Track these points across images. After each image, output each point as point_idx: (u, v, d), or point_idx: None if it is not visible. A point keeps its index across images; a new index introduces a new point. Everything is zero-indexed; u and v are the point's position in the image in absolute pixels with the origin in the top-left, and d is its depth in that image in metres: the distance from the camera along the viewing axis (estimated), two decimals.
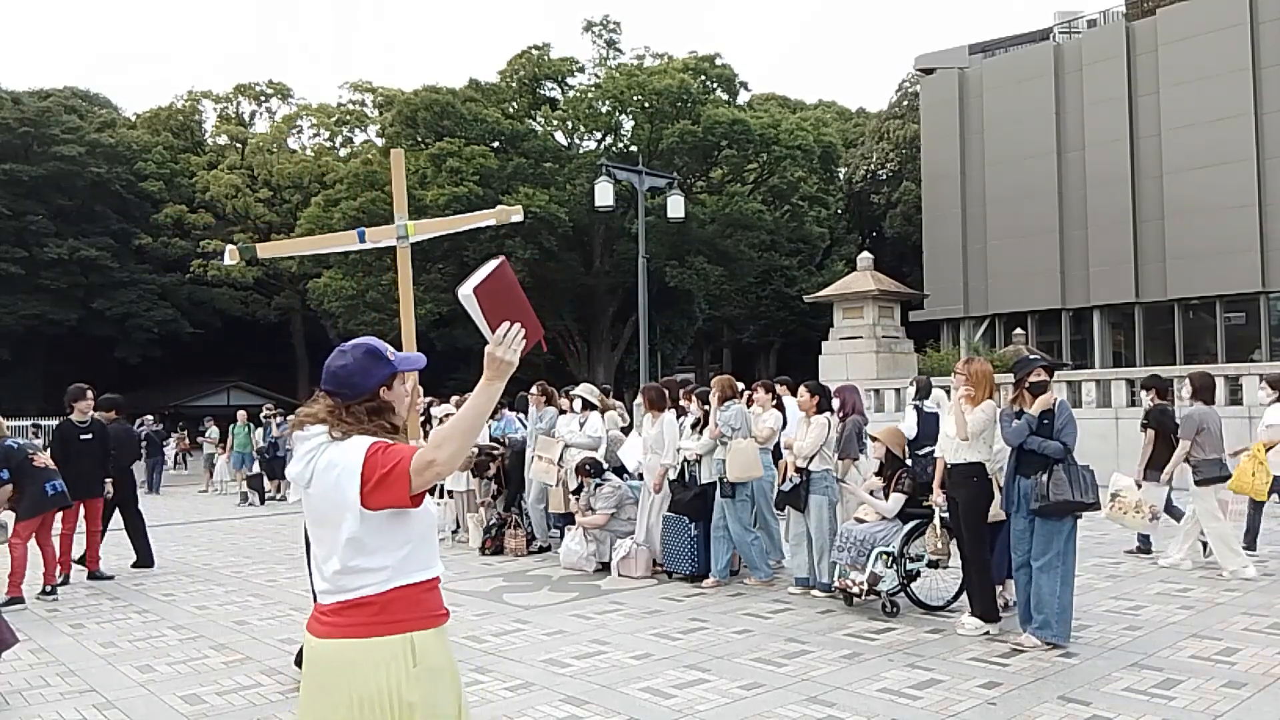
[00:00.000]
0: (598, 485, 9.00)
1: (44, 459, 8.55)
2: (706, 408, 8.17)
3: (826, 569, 7.34)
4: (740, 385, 8.62)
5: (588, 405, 9.97)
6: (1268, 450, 8.20)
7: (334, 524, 2.38)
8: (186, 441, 31.48)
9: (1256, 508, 8.78)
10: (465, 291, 2.49)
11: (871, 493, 7.19)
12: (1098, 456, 14.76)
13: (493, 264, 2.54)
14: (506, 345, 2.38)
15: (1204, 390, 8.33)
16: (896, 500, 6.84)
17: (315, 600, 2.54)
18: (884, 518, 6.94)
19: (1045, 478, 5.67)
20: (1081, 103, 30.54)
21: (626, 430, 10.77)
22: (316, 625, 2.45)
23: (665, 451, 8.43)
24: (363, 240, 4.11)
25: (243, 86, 48.29)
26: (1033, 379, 5.96)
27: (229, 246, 3.99)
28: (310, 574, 2.66)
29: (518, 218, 4.13)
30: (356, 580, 2.38)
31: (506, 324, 2.37)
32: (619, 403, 12.59)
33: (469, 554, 10.05)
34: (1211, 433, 8.00)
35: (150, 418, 24.67)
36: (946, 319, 33.64)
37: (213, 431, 23.08)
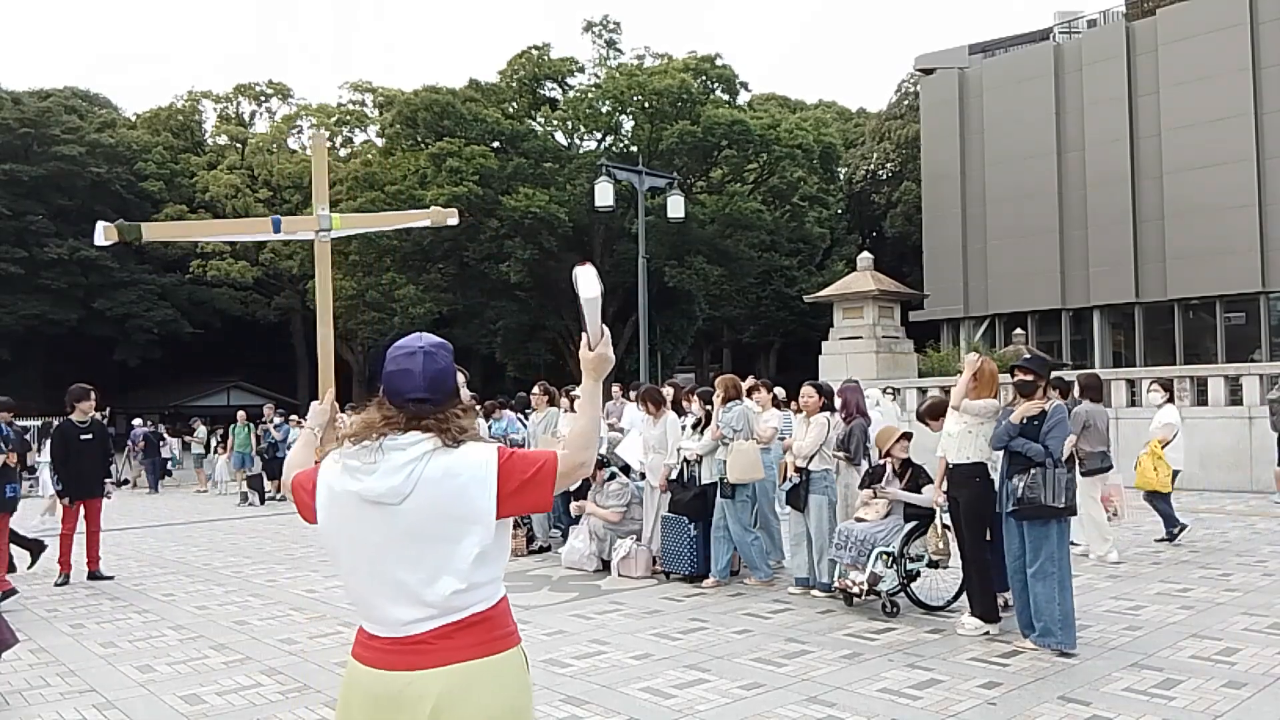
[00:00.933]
0: (606, 481, 8.98)
1: (12, 459, 8.49)
2: (709, 408, 8.17)
3: (826, 569, 7.34)
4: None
5: None
6: (1164, 446, 9.26)
7: (449, 538, 2.16)
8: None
9: (1164, 499, 9.60)
10: (593, 295, 2.35)
11: (864, 504, 7.19)
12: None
13: (593, 271, 2.43)
14: (609, 345, 2.39)
15: (1090, 389, 9.07)
16: (930, 490, 6.76)
17: (373, 632, 2.24)
18: (886, 516, 6.95)
19: (1023, 480, 5.64)
20: (1081, 103, 30.56)
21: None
22: (405, 657, 2.16)
23: (668, 451, 8.45)
24: (278, 230, 3.68)
25: (243, 86, 48.30)
26: (1016, 379, 5.95)
27: (103, 224, 3.46)
28: (362, 596, 2.27)
29: (453, 221, 3.87)
30: (474, 596, 2.19)
31: (604, 327, 2.39)
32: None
33: None
34: (1098, 428, 8.68)
35: (139, 420, 24.66)
36: (946, 319, 33.66)
37: (200, 432, 22.94)
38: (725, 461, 7.76)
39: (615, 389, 12.31)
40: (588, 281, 2.34)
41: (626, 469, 9.45)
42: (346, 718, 2.25)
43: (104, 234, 3.36)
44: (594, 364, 2.37)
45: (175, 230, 3.55)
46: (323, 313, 3.52)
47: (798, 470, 7.54)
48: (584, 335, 2.40)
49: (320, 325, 3.52)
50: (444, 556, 2.16)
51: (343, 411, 3.12)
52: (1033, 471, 5.60)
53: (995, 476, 6.21)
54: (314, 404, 3.08)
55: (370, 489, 2.17)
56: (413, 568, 2.16)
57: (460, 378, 2.43)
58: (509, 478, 2.18)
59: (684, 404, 9.15)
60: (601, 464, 9.03)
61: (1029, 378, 5.86)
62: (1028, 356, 6.17)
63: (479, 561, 2.17)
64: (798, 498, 7.52)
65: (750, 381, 9.25)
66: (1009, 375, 6.19)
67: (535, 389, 10.52)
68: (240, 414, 20.11)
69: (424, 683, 2.14)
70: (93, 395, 9.21)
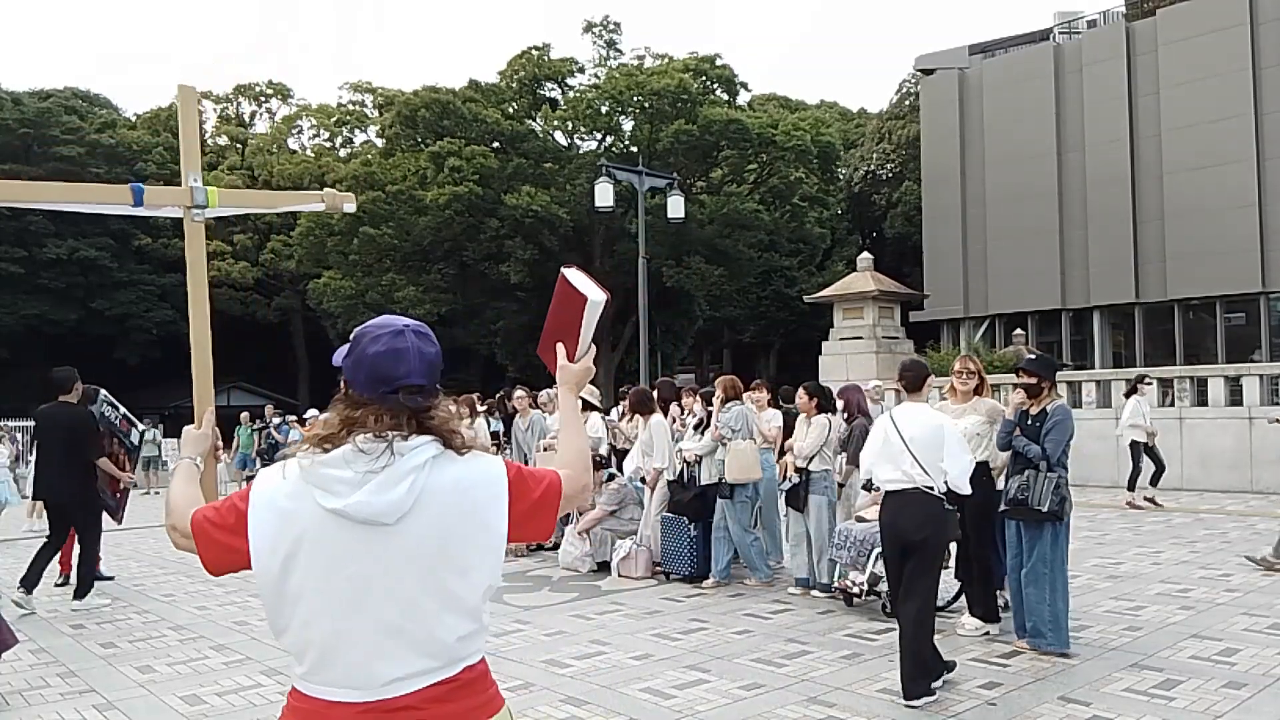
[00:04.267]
0: (605, 482, 8.98)
1: None
2: (710, 409, 8.18)
3: (826, 569, 7.34)
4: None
5: (588, 406, 9.97)
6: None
7: (456, 568, 1.75)
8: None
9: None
10: (598, 299, 2.20)
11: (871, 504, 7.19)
12: (1098, 457, 14.91)
13: (585, 277, 2.33)
14: (591, 359, 2.23)
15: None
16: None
17: (334, 699, 1.78)
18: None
19: (1018, 480, 5.61)
20: (1081, 103, 30.55)
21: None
22: None
23: (657, 454, 8.44)
24: (139, 203, 3.01)
25: (243, 87, 48.33)
26: (1021, 381, 5.94)
27: None
28: (328, 649, 1.77)
29: (350, 207, 3.41)
30: (473, 644, 1.80)
31: (591, 344, 2.27)
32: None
33: None
34: None
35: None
36: (947, 319, 33.65)
37: (151, 432, 21.32)
38: (725, 461, 7.77)
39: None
40: (590, 285, 2.23)
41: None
42: None
43: None
44: (577, 376, 2.19)
45: (19, 191, 3.14)
46: (196, 311, 2.96)
47: (797, 471, 7.55)
48: (559, 346, 2.23)
49: (194, 319, 2.97)
50: (452, 590, 1.75)
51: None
52: (1027, 473, 5.58)
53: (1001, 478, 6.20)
54: (188, 429, 2.36)
55: (362, 505, 1.70)
56: (407, 606, 1.72)
57: None
58: (520, 496, 1.83)
59: (683, 399, 9.17)
60: (599, 465, 9.03)
61: (1033, 380, 5.85)
62: (1032, 358, 6.14)
63: (486, 596, 1.80)
64: (797, 498, 7.53)
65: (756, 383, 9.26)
66: (1009, 374, 6.20)
67: (518, 391, 10.51)
68: (244, 415, 20.10)
69: None
70: (78, 380, 8.34)
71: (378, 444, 1.74)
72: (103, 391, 8.65)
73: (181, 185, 2.85)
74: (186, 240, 2.88)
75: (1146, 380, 13.79)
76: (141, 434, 8.87)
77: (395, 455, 1.73)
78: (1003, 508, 5.70)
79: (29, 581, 7.73)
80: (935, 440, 4.99)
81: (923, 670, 4.83)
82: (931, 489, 4.96)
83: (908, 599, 4.96)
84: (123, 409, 8.66)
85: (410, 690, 1.72)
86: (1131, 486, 12.83)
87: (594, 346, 2.27)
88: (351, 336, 1.90)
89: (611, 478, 9.06)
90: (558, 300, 2.27)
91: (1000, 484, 6.13)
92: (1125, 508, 12.45)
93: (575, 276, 2.25)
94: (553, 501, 1.89)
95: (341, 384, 1.86)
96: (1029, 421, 5.72)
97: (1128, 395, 13.33)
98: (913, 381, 5.27)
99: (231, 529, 1.77)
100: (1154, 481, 12.86)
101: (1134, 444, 12.81)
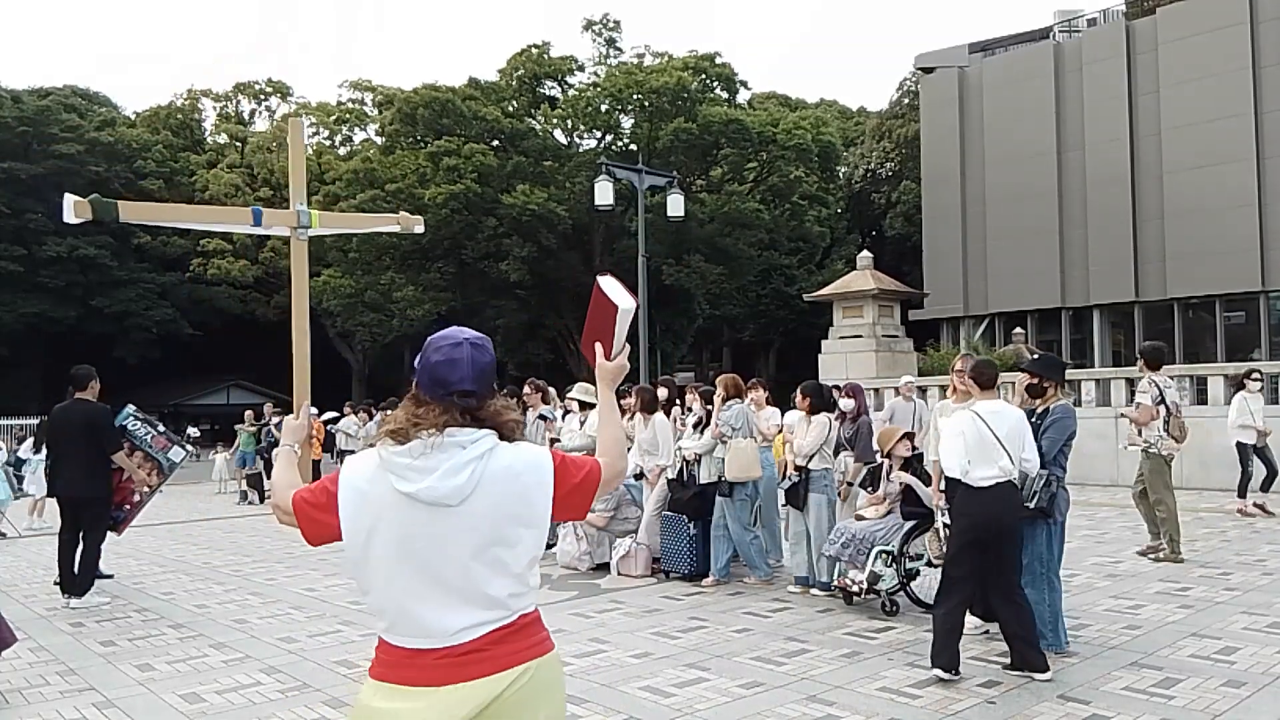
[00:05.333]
0: None
1: None
2: (710, 407, 8.18)
3: (825, 567, 7.34)
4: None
5: (585, 405, 9.96)
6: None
7: (507, 541, 2.08)
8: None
9: None
10: (630, 306, 2.38)
11: (871, 504, 7.20)
12: (1098, 456, 14.90)
13: (618, 285, 2.47)
14: (626, 355, 2.44)
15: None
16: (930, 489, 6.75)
17: (416, 646, 2.07)
18: (886, 515, 6.95)
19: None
20: (1081, 102, 30.54)
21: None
22: (461, 668, 2.04)
23: (660, 452, 8.43)
24: (258, 223, 3.41)
25: (242, 85, 48.30)
26: (1027, 383, 5.94)
27: (73, 198, 3.01)
28: (404, 607, 2.08)
29: (419, 229, 3.75)
30: (524, 600, 2.14)
31: (625, 342, 2.45)
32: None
33: None
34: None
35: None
36: (946, 318, 33.65)
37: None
38: (724, 460, 7.76)
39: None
40: (622, 293, 2.40)
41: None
42: None
43: (74, 209, 2.97)
44: (613, 374, 2.44)
45: (153, 212, 3.29)
46: (299, 318, 3.21)
47: (797, 469, 7.55)
48: (596, 345, 2.44)
49: (296, 332, 3.17)
50: (502, 559, 2.08)
51: (344, 409, 3.02)
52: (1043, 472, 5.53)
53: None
54: (288, 419, 2.83)
55: (431, 490, 2.03)
56: (468, 571, 2.06)
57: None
58: (563, 480, 2.15)
59: (688, 397, 9.14)
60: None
61: (1035, 380, 5.86)
62: (1035, 357, 6.13)
63: (531, 565, 2.14)
64: (797, 496, 7.53)
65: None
66: (1009, 373, 6.20)
67: (526, 387, 10.50)
68: (248, 413, 20.14)
69: (483, 690, 2.03)
70: (96, 378, 8.26)
71: (443, 438, 2.07)
72: (131, 406, 8.68)
73: (289, 209, 3.25)
74: (292, 256, 3.30)
75: (1255, 375, 12.23)
76: (186, 455, 8.84)
77: (458, 448, 2.07)
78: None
79: (67, 583, 7.79)
80: (1021, 433, 5.35)
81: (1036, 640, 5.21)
82: (1013, 479, 5.29)
83: (1009, 585, 5.27)
84: (161, 426, 8.69)
85: (475, 637, 2.07)
86: (1242, 493, 11.71)
87: (628, 345, 2.46)
88: (424, 345, 2.24)
89: None
90: (594, 306, 2.47)
91: None
92: (1236, 515, 11.54)
93: (609, 285, 2.42)
94: (591, 486, 2.20)
95: (413, 385, 2.19)
96: (1032, 420, 5.70)
97: (1235, 391, 12.11)
98: (989, 380, 5.53)
99: (324, 507, 2.14)
100: (1265, 486, 11.86)
101: (1240, 445, 11.72)
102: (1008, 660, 5.31)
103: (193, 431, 21.26)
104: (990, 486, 5.22)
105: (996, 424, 5.25)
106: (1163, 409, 8.71)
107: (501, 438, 2.14)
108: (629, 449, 2.11)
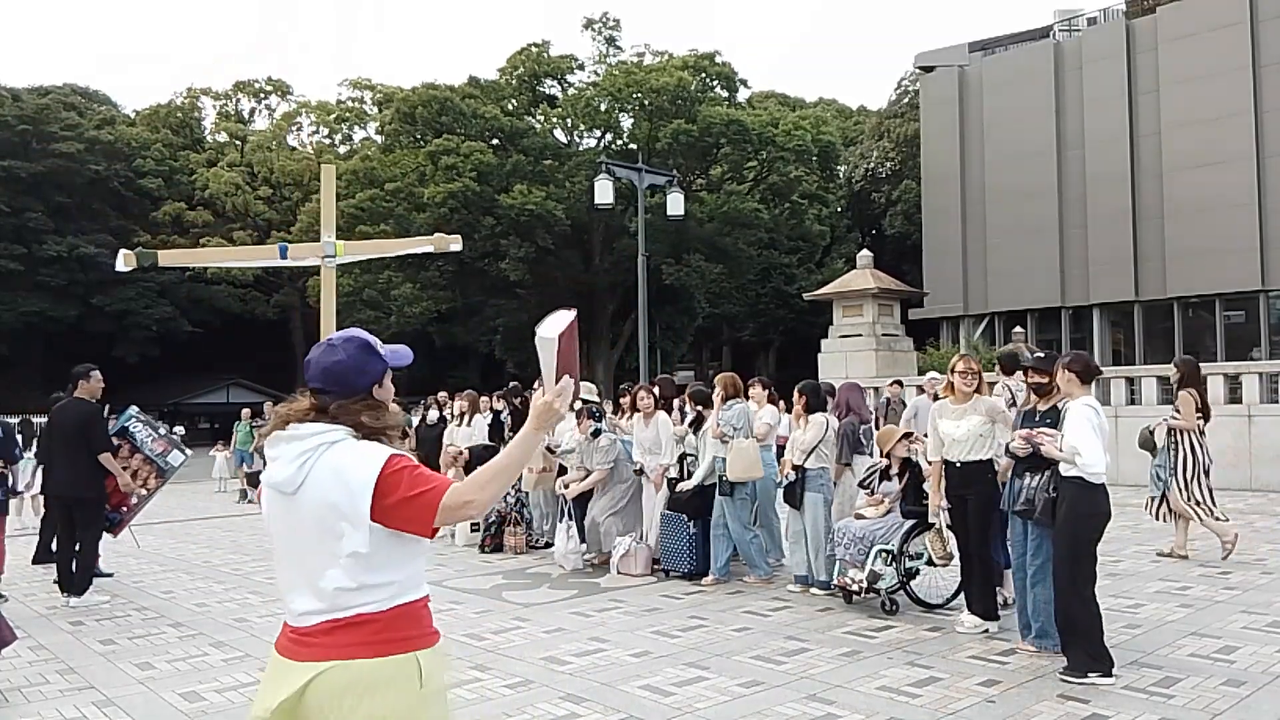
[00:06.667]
0: (594, 435, 8.92)
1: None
2: (699, 409, 8.18)
3: (823, 566, 7.34)
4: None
5: (587, 404, 9.94)
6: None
7: (333, 533, 2.17)
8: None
9: None
10: (547, 335, 2.28)
11: (869, 504, 7.19)
12: None
13: (568, 316, 2.35)
14: (564, 399, 2.26)
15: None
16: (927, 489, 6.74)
17: (285, 620, 2.31)
18: (886, 514, 6.95)
19: (1037, 478, 5.48)
20: (1081, 101, 30.54)
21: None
22: (297, 648, 2.20)
23: (664, 452, 8.42)
24: (284, 257, 3.72)
25: (242, 84, 48.27)
26: (1030, 380, 5.92)
27: (125, 252, 3.66)
28: (279, 584, 2.37)
29: (456, 247, 3.81)
30: (360, 597, 2.17)
31: (567, 378, 2.28)
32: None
33: (468, 551, 10.04)
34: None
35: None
36: (946, 317, 33.66)
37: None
38: (725, 460, 7.76)
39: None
40: (552, 322, 2.29)
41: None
42: (258, 698, 2.29)
43: (123, 260, 3.66)
44: (541, 413, 2.25)
45: (187, 256, 3.56)
46: (326, 329, 3.44)
47: (794, 468, 7.54)
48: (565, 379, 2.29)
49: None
50: (329, 551, 2.17)
51: None
52: (1047, 472, 5.42)
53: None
54: None
55: (269, 477, 2.26)
56: (304, 559, 2.21)
57: (386, 378, 2.37)
58: (388, 489, 2.13)
59: (674, 401, 9.14)
60: (592, 414, 9.00)
61: (1043, 380, 5.80)
62: (1040, 356, 6.10)
63: (362, 563, 2.15)
64: (794, 495, 7.53)
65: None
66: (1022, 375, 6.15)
67: (535, 385, 10.49)
68: (245, 411, 20.12)
69: (302, 674, 2.15)
70: (98, 377, 8.22)
71: (286, 430, 2.25)
72: (134, 407, 8.65)
73: (319, 242, 3.63)
74: (321, 282, 3.57)
75: None
76: (185, 459, 8.85)
77: (296, 440, 2.23)
78: (1021, 506, 5.59)
79: (66, 582, 7.78)
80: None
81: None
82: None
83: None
84: (164, 430, 8.67)
85: (310, 624, 2.20)
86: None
87: (569, 380, 2.29)
88: None
89: (597, 433, 8.97)
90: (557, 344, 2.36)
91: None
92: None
93: (553, 320, 2.33)
94: (426, 505, 2.13)
95: None
96: (1036, 419, 5.69)
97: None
98: (1093, 375, 5.47)
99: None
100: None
101: None
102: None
103: (178, 430, 20.99)
104: (1103, 484, 5.22)
105: (1104, 420, 5.27)
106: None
107: (368, 436, 2.25)
108: (505, 485, 2.04)
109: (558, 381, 2.26)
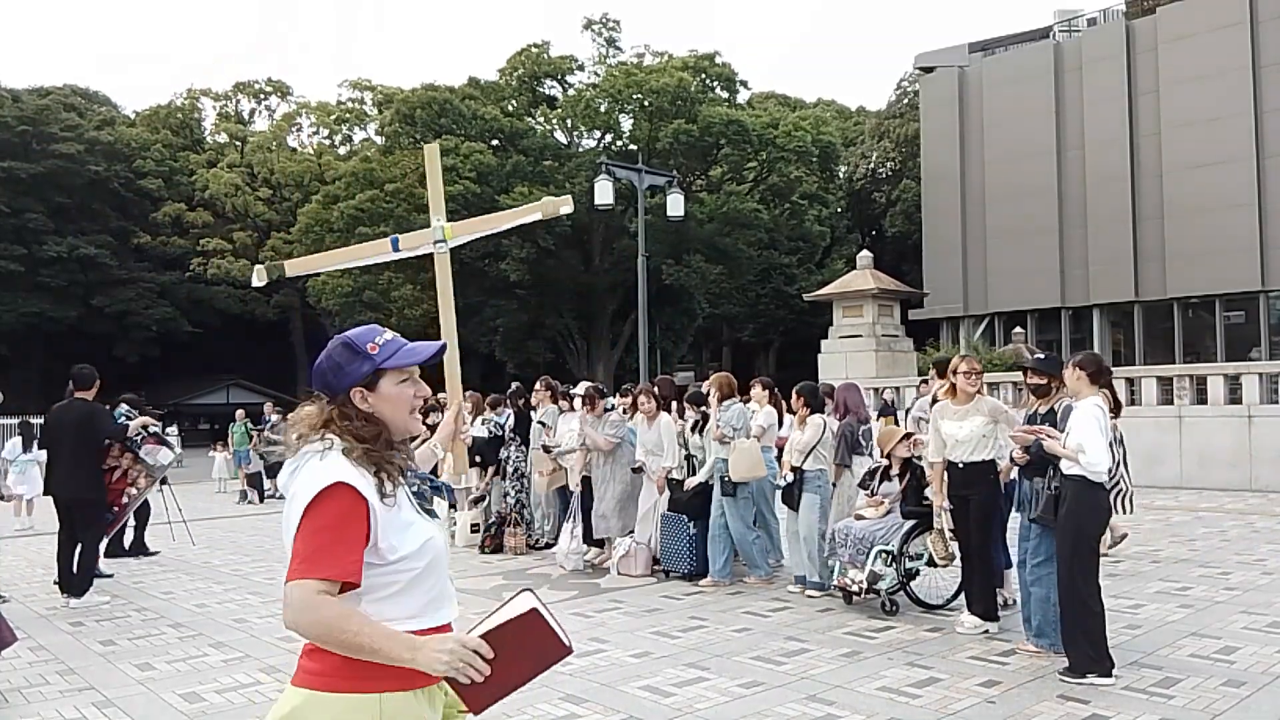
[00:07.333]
0: (607, 411, 8.92)
1: None
2: (702, 409, 8.17)
3: (817, 567, 7.33)
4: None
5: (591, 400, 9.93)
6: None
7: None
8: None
9: None
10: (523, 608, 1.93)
11: (869, 504, 7.19)
12: None
13: (523, 607, 1.93)
14: (452, 667, 1.86)
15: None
16: (928, 491, 6.74)
17: None
18: (886, 514, 6.95)
19: (1052, 480, 5.40)
20: (1081, 101, 30.56)
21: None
22: (296, 669, 2.05)
23: (665, 454, 8.42)
24: (397, 249, 3.56)
25: (242, 84, 48.33)
26: (1029, 381, 5.92)
27: (258, 266, 3.60)
28: None
29: (567, 209, 3.62)
30: None
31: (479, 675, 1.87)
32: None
33: (468, 552, 10.04)
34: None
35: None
36: (946, 317, 33.67)
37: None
38: (726, 460, 7.75)
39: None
40: (520, 601, 1.95)
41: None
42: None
43: (258, 276, 3.55)
44: (422, 661, 1.87)
45: (309, 264, 3.47)
46: (446, 325, 3.32)
47: (793, 469, 7.54)
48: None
49: (444, 334, 3.24)
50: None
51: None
52: (1049, 470, 5.38)
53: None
54: (445, 419, 2.92)
55: (279, 479, 2.08)
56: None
57: (384, 381, 2.07)
58: (303, 525, 1.90)
59: (673, 405, 9.12)
60: (600, 394, 9.00)
61: (1042, 381, 5.79)
62: (1041, 357, 6.09)
63: None
64: (792, 496, 7.53)
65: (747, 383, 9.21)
66: (1008, 372, 6.15)
67: (537, 384, 10.49)
68: (239, 412, 20.12)
69: (288, 698, 1.99)
70: (98, 380, 8.24)
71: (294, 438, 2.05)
72: (123, 405, 8.64)
73: (429, 229, 3.43)
74: (436, 269, 3.41)
75: None
76: (175, 457, 8.85)
77: (300, 450, 2.00)
78: (1037, 512, 5.54)
79: (66, 583, 7.79)
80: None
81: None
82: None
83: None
84: (154, 427, 8.68)
85: (302, 645, 2.00)
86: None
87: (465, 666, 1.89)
88: None
89: (611, 408, 9.00)
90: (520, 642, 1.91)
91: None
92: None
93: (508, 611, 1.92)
94: (295, 554, 1.91)
95: None
96: (1038, 421, 5.69)
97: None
98: (1104, 375, 5.40)
99: None
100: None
101: None
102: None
103: (171, 432, 20.82)
104: (1104, 483, 5.20)
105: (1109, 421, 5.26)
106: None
107: (321, 450, 1.98)
108: (328, 643, 1.93)
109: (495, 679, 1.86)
